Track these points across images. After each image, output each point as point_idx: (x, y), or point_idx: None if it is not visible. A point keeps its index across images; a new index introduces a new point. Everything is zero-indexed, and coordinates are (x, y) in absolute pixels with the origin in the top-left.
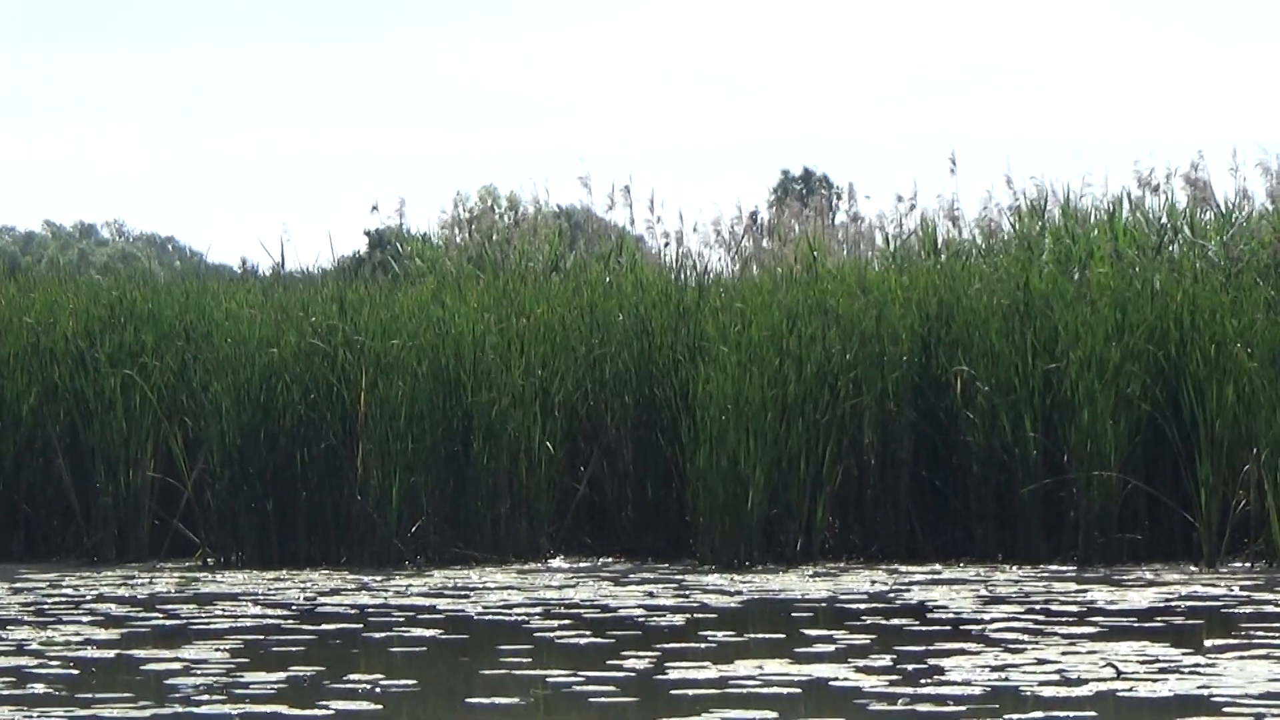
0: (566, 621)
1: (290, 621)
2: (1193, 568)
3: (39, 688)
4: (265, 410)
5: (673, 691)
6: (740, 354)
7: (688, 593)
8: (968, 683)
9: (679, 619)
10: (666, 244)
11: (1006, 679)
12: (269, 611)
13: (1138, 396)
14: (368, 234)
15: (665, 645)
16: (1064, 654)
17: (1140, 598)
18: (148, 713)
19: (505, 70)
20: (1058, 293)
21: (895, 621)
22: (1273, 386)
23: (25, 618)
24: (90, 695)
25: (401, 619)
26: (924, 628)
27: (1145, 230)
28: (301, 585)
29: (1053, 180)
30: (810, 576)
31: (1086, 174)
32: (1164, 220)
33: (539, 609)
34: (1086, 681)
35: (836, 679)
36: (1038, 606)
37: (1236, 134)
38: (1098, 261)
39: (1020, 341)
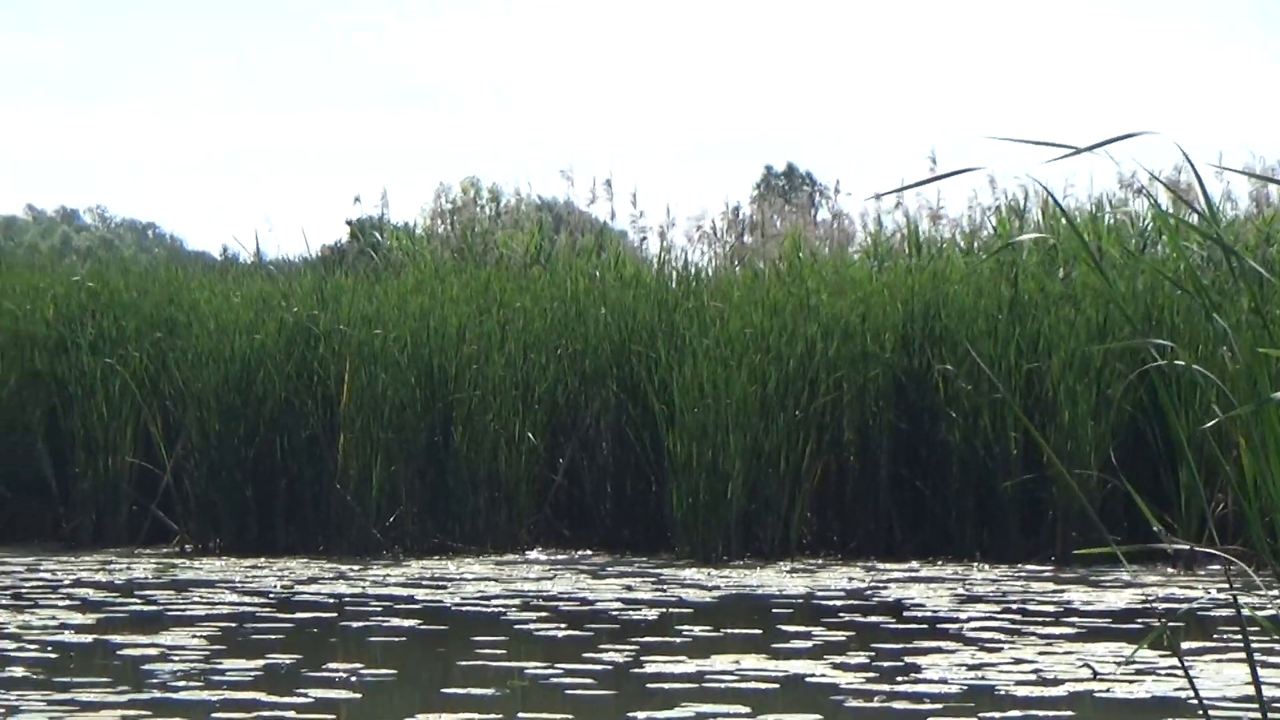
0: (544, 614)
1: (267, 609)
2: (1170, 570)
3: (17, 671)
4: (245, 398)
5: (649, 685)
6: (721, 349)
7: (665, 587)
8: (944, 681)
9: (656, 613)
10: (643, 239)
11: (983, 678)
12: (246, 599)
13: (1119, 397)
14: (349, 223)
15: (642, 639)
16: (1040, 654)
17: (1117, 599)
18: (125, 697)
19: (489, 61)
20: (1042, 293)
21: (872, 619)
22: (1251, 390)
23: (2, 601)
24: (68, 679)
25: (379, 609)
26: (901, 625)
27: (1129, 231)
28: (279, 573)
29: (1035, 181)
30: (788, 572)
31: (1070, 175)
32: (1147, 222)
33: (516, 601)
34: (1063, 682)
35: (813, 675)
36: (1015, 606)
37: (1222, 137)
38: (1080, 262)
39: (1003, 341)
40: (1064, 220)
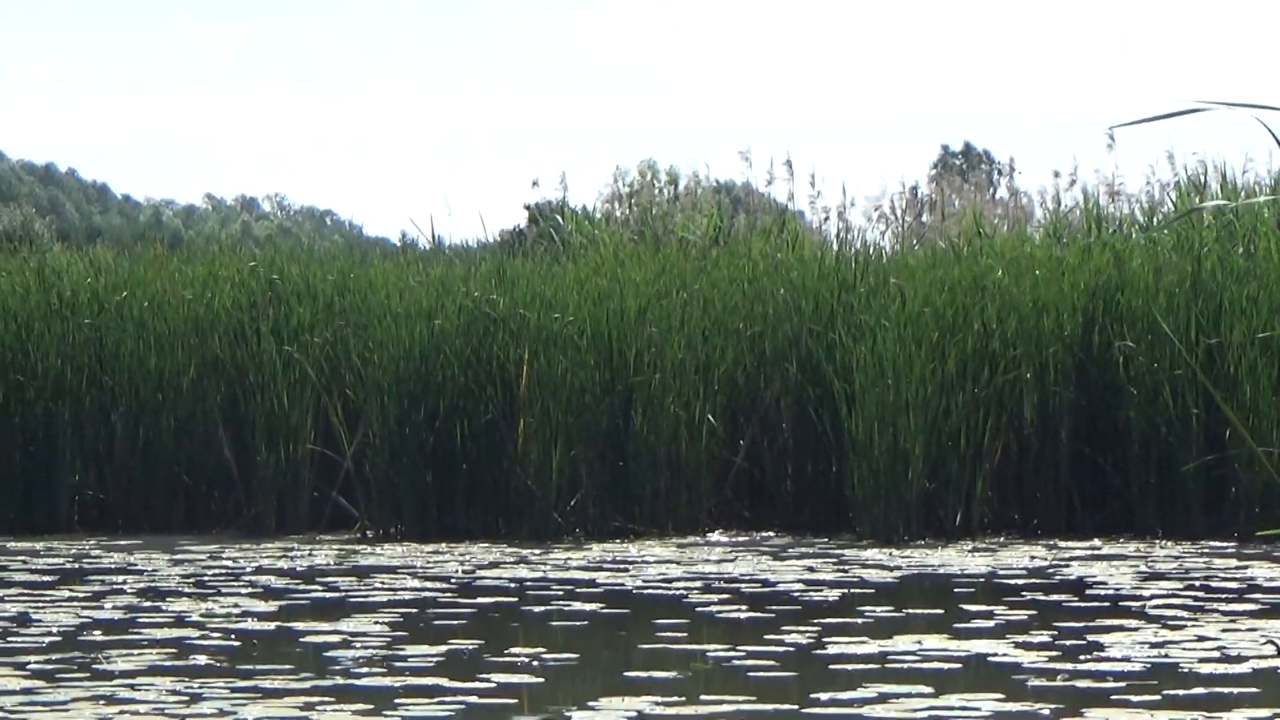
0: (726, 596)
1: (449, 595)
2: None
3: (200, 659)
4: (425, 384)
5: (831, 666)
6: (900, 329)
7: (846, 567)
8: (1127, 659)
9: (837, 594)
10: (826, 219)
11: (1166, 655)
12: (428, 584)
13: None
14: (527, 208)
15: (824, 620)
16: (1224, 631)
17: None
18: (307, 684)
19: (666, 44)
20: (1224, 268)
21: (1054, 597)
22: None
23: (185, 589)
24: (251, 667)
25: (560, 592)
26: (1083, 604)
27: None
28: (460, 558)
29: (1214, 156)
30: (969, 552)
31: (1249, 149)
32: None
33: (698, 583)
34: (1247, 659)
35: (995, 655)
36: (1198, 583)
37: None
38: (1261, 237)
39: (1184, 317)
40: (1244, 195)
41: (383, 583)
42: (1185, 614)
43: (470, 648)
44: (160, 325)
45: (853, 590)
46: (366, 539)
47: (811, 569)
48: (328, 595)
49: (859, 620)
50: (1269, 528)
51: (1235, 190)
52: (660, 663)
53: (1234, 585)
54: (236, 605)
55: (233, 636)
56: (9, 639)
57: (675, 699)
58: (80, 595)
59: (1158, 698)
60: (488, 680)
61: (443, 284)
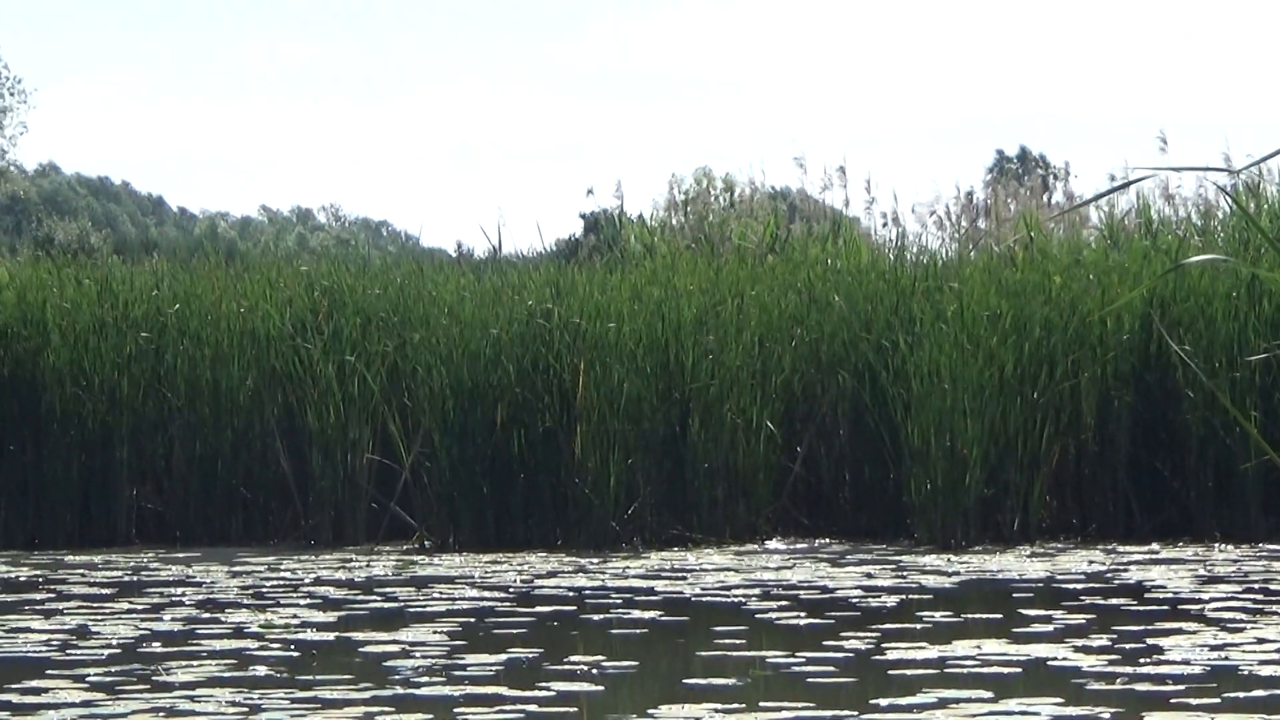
0: (784, 602)
1: (508, 604)
2: None
3: (260, 670)
4: (482, 394)
5: (891, 672)
6: (957, 334)
7: (905, 573)
8: (1187, 662)
9: (896, 599)
10: (883, 224)
11: (1226, 658)
12: (486, 594)
13: None
14: (583, 217)
15: (883, 626)
16: None
17: None
18: (367, 694)
19: (720, 51)
20: None
21: (1113, 601)
22: None
23: (244, 600)
24: (310, 677)
25: (619, 601)
26: (1142, 607)
27: None
28: (518, 568)
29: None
30: (1027, 556)
31: None
32: None
33: (757, 590)
34: None
35: (1054, 659)
36: (1257, 586)
37: None
38: None
39: (1241, 321)
40: None
41: (441, 592)
42: (1245, 617)
43: (530, 657)
44: (217, 337)
45: (911, 596)
46: (425, 549)
47: (870, 575)
48: (386, 605)
49: (918, 626)
50: None
51: None
52: (720, 670)
53: None
54: (295, 616)
55: (292, 647)
56: (69, 651)
57: (735, 706)
58: (139, 607)
59: (1217, 700)
60: (547, 689)
61: (495, 293)
